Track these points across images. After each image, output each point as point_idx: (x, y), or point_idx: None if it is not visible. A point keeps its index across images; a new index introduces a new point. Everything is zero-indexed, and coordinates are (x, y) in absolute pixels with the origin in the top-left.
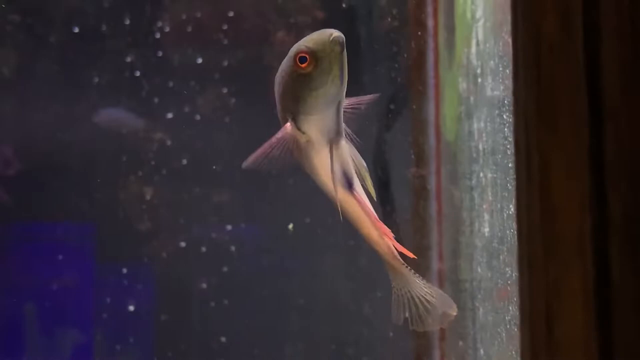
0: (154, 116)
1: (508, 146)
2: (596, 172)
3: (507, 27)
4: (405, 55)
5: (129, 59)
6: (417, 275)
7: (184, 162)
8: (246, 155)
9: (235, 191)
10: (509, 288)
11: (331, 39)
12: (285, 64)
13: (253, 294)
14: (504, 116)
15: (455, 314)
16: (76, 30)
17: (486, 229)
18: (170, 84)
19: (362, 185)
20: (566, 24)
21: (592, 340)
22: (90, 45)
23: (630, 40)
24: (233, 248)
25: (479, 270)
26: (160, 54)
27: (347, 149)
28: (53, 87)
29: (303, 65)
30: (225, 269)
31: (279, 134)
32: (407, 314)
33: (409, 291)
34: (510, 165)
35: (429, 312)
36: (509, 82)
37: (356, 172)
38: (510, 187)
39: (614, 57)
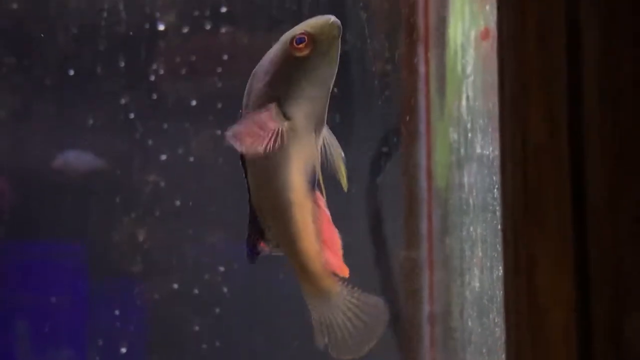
0: (148, 158)
1: (497, 207)
2: (581, 271)
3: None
4: (398, 100)
5: (123, 101)
6: (353, 288)
7: (177, 203)
8: (237, 197)
9: (227, 232)
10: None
11: (330, 22)
12: (275, 49)
13: (246, 336)
14: (494, 177)
15: (386, 318)
16: (71, 73)
17: (477, 284)
18: (165, 125)
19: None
20: (551, 125)
21: None
22: (85, 87)
23: (614, 144)
24: (225, 289)
25: (469, 323)
26: (154, 96)
27: (327, 138)
28: (48, 128)
29: (300, 46)
30: (217, 310)
31: (262, 114)
32: (326, 340)
33: (331, 314)
34: (499, 226)
35: (352, 337)
36: (497, 144)
37: (330, 163)
38: (499, 249)
39: (598, 160)
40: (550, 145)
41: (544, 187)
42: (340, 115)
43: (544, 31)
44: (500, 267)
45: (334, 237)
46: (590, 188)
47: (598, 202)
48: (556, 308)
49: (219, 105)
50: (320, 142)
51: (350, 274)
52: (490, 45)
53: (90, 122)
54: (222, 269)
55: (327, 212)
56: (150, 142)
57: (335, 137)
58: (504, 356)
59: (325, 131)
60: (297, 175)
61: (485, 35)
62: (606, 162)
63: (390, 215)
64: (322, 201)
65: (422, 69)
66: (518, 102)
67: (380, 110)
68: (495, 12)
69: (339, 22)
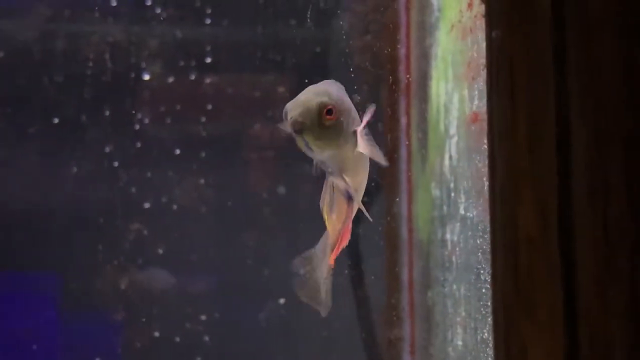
0: (131, 205)
1: (482, 271)
2: None
3: (482, 156)
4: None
5: (107, 150)
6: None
7: (160, 251)
8: (221, 245)
9: (210, 281)
10: None
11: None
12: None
13: None
14: (478, 241)
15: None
16: (56, 120)
17: (459, 342)
18: (148, 174)
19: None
20: (542, 218)
21: None
22: (69, 135)
23: (604, 239)
24: (207, 338)
25: None
26: (138, 145)
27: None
28: (31, 175)
29: (331, 117)
30: (198, 359)
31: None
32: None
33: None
34: (483, 290)
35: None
36: (483, 210)
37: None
38: (484, 312)
39: (589, 253)
40: (540, 238)
41: (535, 279)
42: None
43: (534, 125)
44: (485, 331)
45: (344, 241)
46: (580, 281)
47: (589, 296)
48: None
49: (202, 155)
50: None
51: (332, 319)
52: (478, 126)
53: (74, 170)
54: (203, 317)
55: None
56: (133, 189)
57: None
58: None
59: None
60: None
61: (474, 119)
62: (596, 255)
63: (370, 263)
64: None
65: (403, 120)
66: (509, 194)
67: None
68: (479, 89)
69: (299, 117)
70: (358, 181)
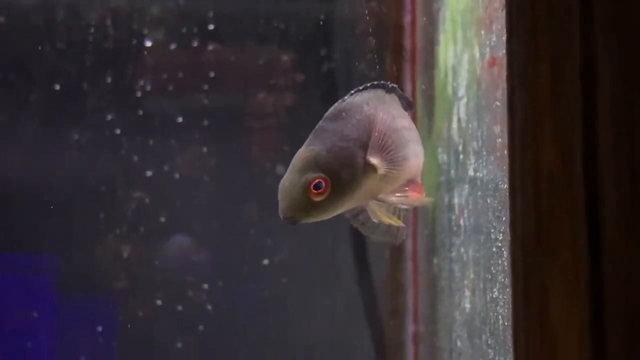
0: (133, 174)
1: (492, 230)
2: (595, 302)
3: (493, 115)
4: None
5: (109, 118)
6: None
7: (162, 220)
8: (223, 215)
9: (212, 250)
10: None
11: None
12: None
13: (229, 355)
14: (488, 200)
15: None
16: (57, 87)
17: (467, 305)
18: (150, 142)
19: None
20: (565, 154)
21: None
22: (71, 102)
23: (630, 169)
24: (209, 307)
25: (459, 343)
26: (140, 113)
27: None
28: (33, 143)
29: (321, 191)
30: (201, 327)
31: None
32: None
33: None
34: (494, 249)
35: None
36: (494, 168)
37: None
38: (494, 271)
39: (613, 186)
40: (563, 175)
41: (557, 217)
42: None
43: (557, 64)
44: (495, 290)
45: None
46: (605, 217)
47: (614, 232)
48: (570, 339)
49: (205, 123)
50: None
51: (333, 290)
52: (492, 71)
53: (76, 137)
54: (206, 287)
55: None
56: (135, 158)
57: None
58: None
59: None
60: None
61: (492, 63)
62: (622, 191)
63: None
64: None
65: (408, 87)
66: (529, 131)
67: None
68: (493, 38)
69: (288, 213)
70: (408, 175)
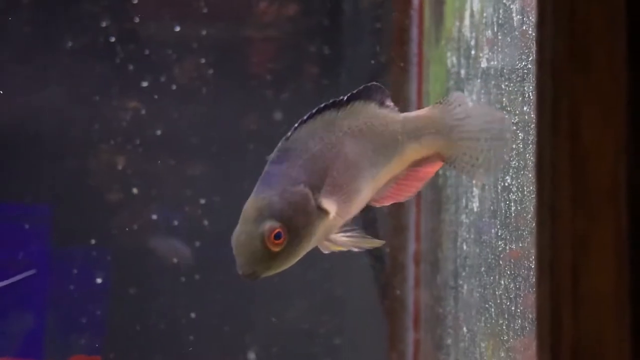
0: (128, 84)
1: (506, 116)
2: (635, 116)
3: None
4: (388, 32)
5: (104, 24)
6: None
7: (158, 132)
8: (221, 127)
9: (210, 164)
10: (519, 251)
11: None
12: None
13: (225, 270)
14: (502, 85)
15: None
16: None
17: (475, 204)
18: (146, 51)
19: None
20: None
21: (624, 294)
22: (65, 8)
23: None
24: (206, 222)
25: (465, 247)
26: (137, 20)
27: None
28: (25, 49)
29: (281, 240)
30: (197, 243)
31: None
32: None
33: None
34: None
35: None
36: (511, 51)
37: None
38: (506, 158)
39: None
40: None
41: (592, 25)
42: (330, 49)
43: None
44: (508, 177)
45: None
46: None
47: None
48: (603, 157)
49: (203, 33)
50: None
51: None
52: None
53: (69, 44)
54: (202, 201)
55: None
56: (130, 67)
57: None
58: (506, 268)
59: None
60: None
61: None
62: None
63: None
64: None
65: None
66: None
67: (371, 43)
68: None
69: (247, 270)
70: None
